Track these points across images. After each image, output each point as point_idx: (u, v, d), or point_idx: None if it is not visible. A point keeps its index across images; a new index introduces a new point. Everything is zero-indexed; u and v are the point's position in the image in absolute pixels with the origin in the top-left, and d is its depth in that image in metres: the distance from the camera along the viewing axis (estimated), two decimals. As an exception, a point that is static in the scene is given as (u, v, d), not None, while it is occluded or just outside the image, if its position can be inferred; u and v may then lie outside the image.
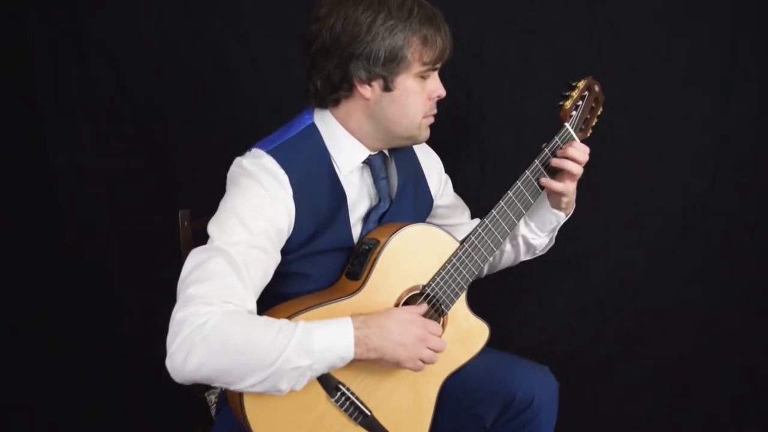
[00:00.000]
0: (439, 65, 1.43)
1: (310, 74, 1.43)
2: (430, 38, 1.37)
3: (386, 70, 1.36)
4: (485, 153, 2.15)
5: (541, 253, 1.73)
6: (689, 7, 2.03)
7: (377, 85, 1.39)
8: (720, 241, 2.16)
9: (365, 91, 1.39)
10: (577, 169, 1.52)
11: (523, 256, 1.73)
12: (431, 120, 1.48)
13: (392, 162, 1.54)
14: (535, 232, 1.65)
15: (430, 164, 1.68)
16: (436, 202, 1.69)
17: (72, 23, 2.04)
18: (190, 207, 1.64)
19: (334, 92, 1.41)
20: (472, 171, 2.15)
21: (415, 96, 1.41)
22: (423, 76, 1.41)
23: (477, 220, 1.74)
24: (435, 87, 1.44)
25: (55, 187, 2.12)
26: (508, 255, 1.72)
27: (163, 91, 2.10)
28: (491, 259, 1.51)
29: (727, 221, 2.14)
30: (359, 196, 1.48)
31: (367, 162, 1.48)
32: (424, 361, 1.35)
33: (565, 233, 1.69)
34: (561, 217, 1.63)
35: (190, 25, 2.06)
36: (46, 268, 2.16)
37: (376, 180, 1.50)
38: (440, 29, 1.38)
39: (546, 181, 1.52)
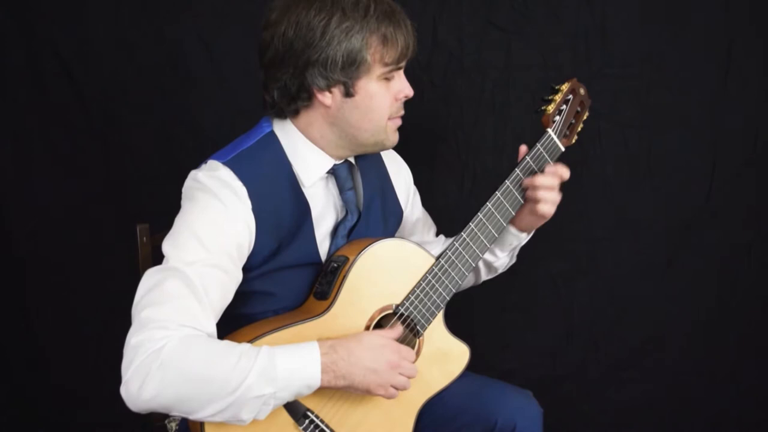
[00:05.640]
0: (403, 64, 1.38)
1: (265, 84, 1.39)
2: (390, 36, 1.32)
3: (345, 75, 1.32)
4: (464, 162, 2.11)
5: (503, 271, 1.70)
6: (682, 5, 1.99)
7: (338, 91, 1.34)
8: (716, 259, 2.12)
9: (325, 98, 1.35)
10: (553, 196, 1.47)
11: (485, 277, 1.70)
12: (398, 122, 1.44)
13: (358, 171, 1.50)
14: (495, 253, 1.61)
15: (399, 173, 1.64)
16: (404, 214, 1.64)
17: (22, 23, 2.00)
18: (149, 221, 1.60)
19: (292, 102, 1.37)
20: (451, 181, 2.11)
21: (379, 99, 1.36)
22: (387, 78, 1.36)
23: (442, 237, 1.70)
24: (401, 87, 1.39)
25: (1, 198, 2.08)
26: (469, 277, 1.67)
27: (120, 97, 2.06)
28: (469, 275, 1.47)
29: (723, 237, 2.10)
30: (325, 209, 1.44)
31: (332, 172, 1.44)
32: (396, 389, 1.31)
33: (552, 250, 1.63)
34: (522, 239, 1.59)
35: (148, 26, 2.03)
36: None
37: (342, 191, 1.45)
38: (401, 25, 1.34)
39: (530, 181, 1.46)
